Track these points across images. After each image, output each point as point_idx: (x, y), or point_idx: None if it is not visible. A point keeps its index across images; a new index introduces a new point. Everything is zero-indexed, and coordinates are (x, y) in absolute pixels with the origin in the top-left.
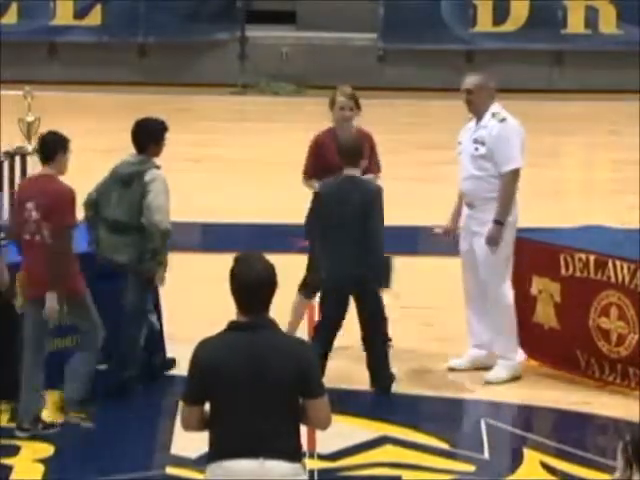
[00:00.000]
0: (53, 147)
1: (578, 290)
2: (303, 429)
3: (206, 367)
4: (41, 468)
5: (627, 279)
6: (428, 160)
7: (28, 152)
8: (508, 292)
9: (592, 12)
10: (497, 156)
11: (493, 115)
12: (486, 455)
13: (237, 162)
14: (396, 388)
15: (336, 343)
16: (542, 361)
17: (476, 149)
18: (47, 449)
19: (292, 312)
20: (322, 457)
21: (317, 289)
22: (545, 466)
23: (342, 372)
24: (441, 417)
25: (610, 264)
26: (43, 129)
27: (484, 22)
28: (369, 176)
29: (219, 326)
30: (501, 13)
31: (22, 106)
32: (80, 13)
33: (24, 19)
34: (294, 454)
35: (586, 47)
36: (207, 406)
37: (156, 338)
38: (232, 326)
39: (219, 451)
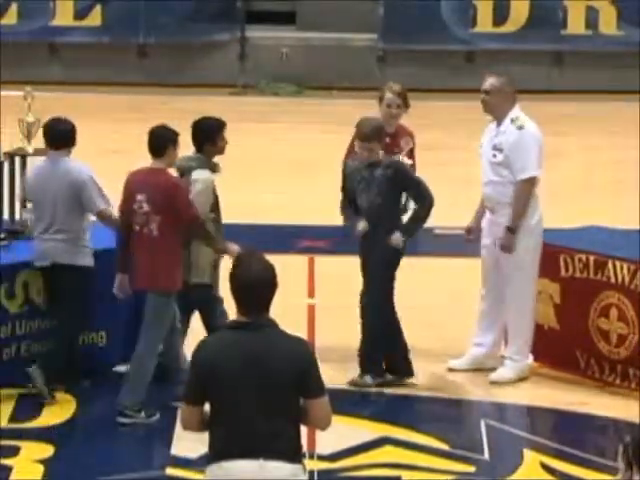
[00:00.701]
0: (164, 141)
1: (578, 291)
2: (303, 429)
3: (206, 367)
4: (41, 468)
5: (627, 280)
6: (428, 160)
7: (28, 152)
8: (531, 296)
9: (592, 13)
10: (513, 164)
11: (512, 121)
12: (486, 456)
13: (237, 162)
14: (396, 389)
15: (336, 343)
16: (542, 362)
17: (494, 156)
18: (47, 449)
19: None
20: (322, 458)
21: None
22: (545, 467)
23: (342, 372)
24: (441, 418)
25: (610, 265)
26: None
27: (484, 22)
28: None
29: None
30: (501, 14)
31: (22, 107)
32: (80, 14)
33: (24, 20)
34: (294, 455)
35: (586, 48)
36: (207, 407)
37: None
38: (232, 326)
39: (219, 452)
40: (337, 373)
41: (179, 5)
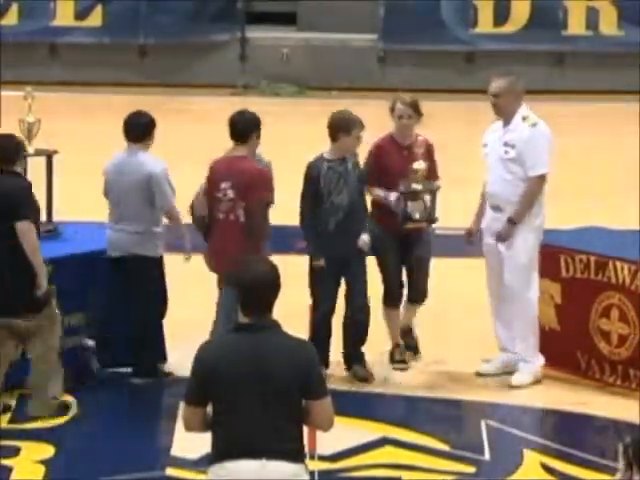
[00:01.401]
0: (246, 128)
1: (578, 291)
2: (304, 430)
3: (209, 368)
4: (41, 469)
5: (628, 280)
6: None
7: (29, 153)
8: (533, 296)
9: (593, 13)
10: (526, 160)
11: (524, 119)
12: (486, 456)
13: None
14: (397, 389)
15: (336, 343)
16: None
17: (506, 152)
18: (47, 450)
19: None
20: (322, 458)
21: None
22: (545, 467)
23: (342, 372)
24: (441, 418)
25: (610, 265)
26: (44, 130)
27: (484, 23)
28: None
29: None
30: (502, 14)
31: (23, 107)
32: (81, 14)
33: (25, 20)
34: (296, 455)
35: (587, 48)
36: (209, 407)
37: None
38: (235, 327)
39: (221, 452)
40: (338, 373)
41: (179, 5)
